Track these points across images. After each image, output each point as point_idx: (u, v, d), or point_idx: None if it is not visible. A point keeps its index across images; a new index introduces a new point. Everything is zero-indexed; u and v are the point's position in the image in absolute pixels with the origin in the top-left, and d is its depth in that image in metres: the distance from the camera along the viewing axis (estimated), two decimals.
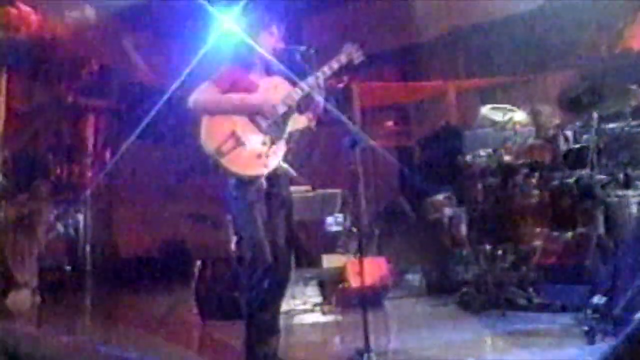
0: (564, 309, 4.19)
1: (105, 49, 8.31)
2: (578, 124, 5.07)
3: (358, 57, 3.35)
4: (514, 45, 7.79)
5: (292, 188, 3.62)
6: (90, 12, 7.85)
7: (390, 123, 6.96)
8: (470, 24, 8.45)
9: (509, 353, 3.42)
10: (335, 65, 3.29)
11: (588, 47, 7.32)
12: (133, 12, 7.75)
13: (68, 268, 6.93)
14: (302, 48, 3.30)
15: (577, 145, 4.71)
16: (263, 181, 3.21)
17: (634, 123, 4.51)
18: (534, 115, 5.28)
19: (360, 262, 3.23)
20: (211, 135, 3.19)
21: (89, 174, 8.16)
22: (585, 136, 4.76)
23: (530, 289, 4.60)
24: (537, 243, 4.63)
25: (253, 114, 3.22)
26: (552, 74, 7.81)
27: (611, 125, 4.56)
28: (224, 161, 3.15)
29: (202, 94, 3.27)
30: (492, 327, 4.03)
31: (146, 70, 8.50)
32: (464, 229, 5.76)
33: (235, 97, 3.26)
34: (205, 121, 3.21)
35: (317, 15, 9.03)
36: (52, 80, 7.93)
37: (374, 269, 5.23)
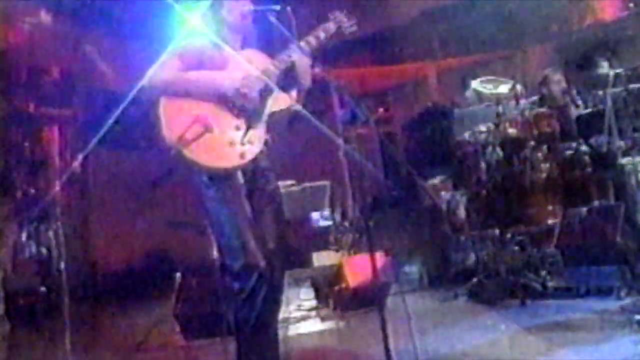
0: (587, 294, 3.80)
1: (65, 56, 7.87)
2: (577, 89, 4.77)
3: (351, 26, 2.83)
4: (489, 22, 7.80)
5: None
6: (46, 18, 7.43)
7: (380, 110, 6.68)
8: (444, 3, 8.41)
9: (552, 353, 2.86)
10: (322, 34, 2.75)
11: (560, 21, 7.44)
12: (93, 16, 7.36)
13: (42, 289, 6.46)
14: (277, 7, 2.70)
15: (589, 110, 4.30)
16: (239, 176, 2.68)
17: None
18: (543, 82, 4.91)
19: (372, 258, 2.68)
20: (172, 120, 2.59)
21: (58, 187, 7.71)
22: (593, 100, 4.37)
23: (544, 272, 4.22)
24: (551, 222, 4.23)
25: (222, 95, 2.65)
26: (529, 47, 7.87)
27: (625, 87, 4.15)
28: (189, 152, 2.56)
29: (161, 70, 2.67)
30: (517, 321, 3.55)
31: (111, 75, 8.07)
32: (463, 212, 5.42)
33: (200, 75, 2.70)
34: (163, 103, 2.62)
35: (286, 4, 8.67)
36: (10, 91, 7.46)
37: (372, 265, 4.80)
